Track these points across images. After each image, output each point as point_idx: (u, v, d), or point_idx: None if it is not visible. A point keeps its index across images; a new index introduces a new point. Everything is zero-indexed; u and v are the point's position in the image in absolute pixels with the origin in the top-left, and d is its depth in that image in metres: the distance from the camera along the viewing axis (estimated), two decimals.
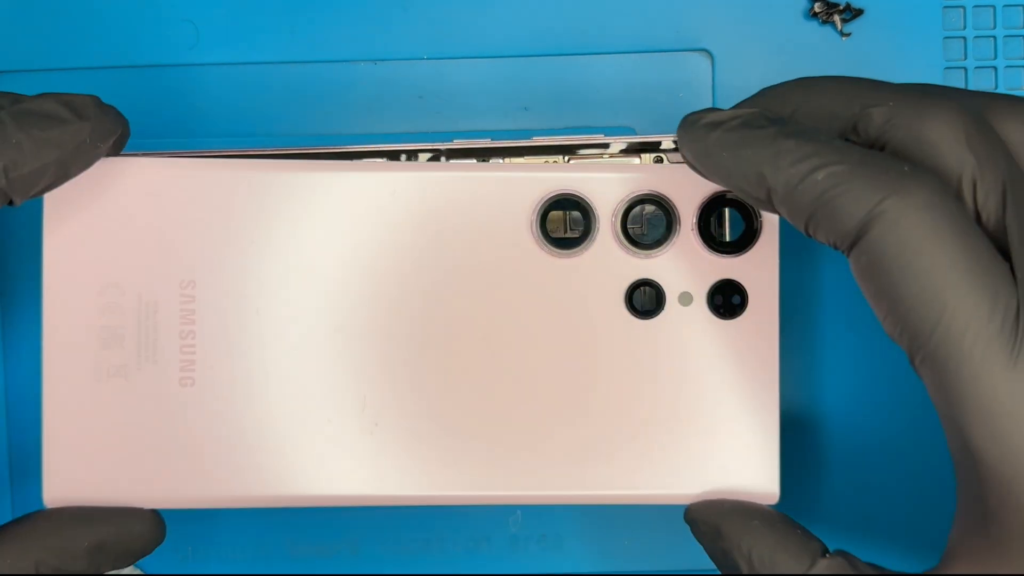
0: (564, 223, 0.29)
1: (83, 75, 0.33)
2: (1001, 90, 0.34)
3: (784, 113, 0.26)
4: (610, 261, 0.28)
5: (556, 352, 0.28)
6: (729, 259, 0.28)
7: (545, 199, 0.28)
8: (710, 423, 0.28)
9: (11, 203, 0.25)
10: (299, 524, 0.34)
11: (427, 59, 0.34)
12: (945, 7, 0.34)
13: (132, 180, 0.28)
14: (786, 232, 0.28)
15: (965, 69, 0.34)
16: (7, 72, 0.33)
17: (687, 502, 0.29)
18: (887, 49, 0.34)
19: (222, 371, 0.28)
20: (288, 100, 0.33)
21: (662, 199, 0.28)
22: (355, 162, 0.29)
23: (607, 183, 0.28)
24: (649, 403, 0.28)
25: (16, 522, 0.27)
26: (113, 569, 0.28)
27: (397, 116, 0.34)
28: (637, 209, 0.28)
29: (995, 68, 0.34)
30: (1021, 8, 0.34)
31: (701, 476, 0.28)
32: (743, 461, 0.28)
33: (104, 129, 0.26)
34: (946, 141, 0.23)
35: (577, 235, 0.28)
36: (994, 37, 0.34)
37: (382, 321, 0.28)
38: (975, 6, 0.34)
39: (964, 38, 0.34)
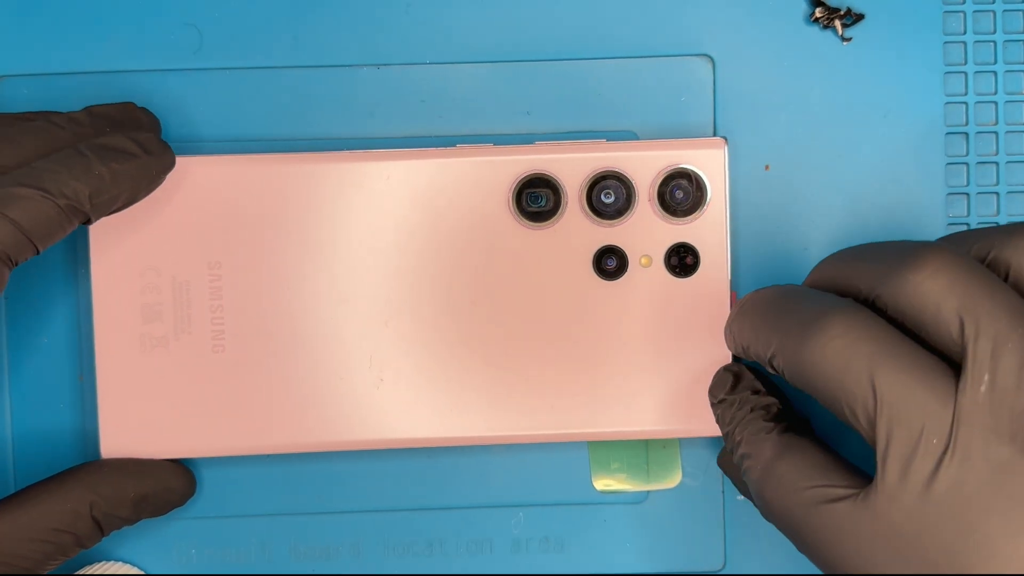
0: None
1: (87, 79, 0.33)
2: (1000, 95, 0.34)
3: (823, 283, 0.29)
4: (579, 231, 0.32)
5: (535, 312, 0.32)
6: (683, 225, 0.32)
7: (519, 179, 0.32)
8: (669, 368, 0.32)
9: (88, 222, 0.29)
10: (300, 525, 0.34)
11: (429, 63, 0.34)
12: (945, 11, 0.34)
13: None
14: None
15: (965, 74, 0.34)
16: (12, 76, 0.33)
17: (652, 437, 0.32)
18: (888, 53, 0.34)
19: (248, 338, 0.32)
20: (291, 104, 0.33)
21: (622, 175, 0.31)
22: (354, 152, 0.32)
23: (573, 163, 0.32)
24: (615, 353, 0.32)
25: (76, 468, 0.31)
26: (152, 517, 0.32)
27: (399, 120, 0.34)
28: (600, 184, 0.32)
29: (995, 73, 0.34)
30: (1021, 12, 0.34)
31: (662, 413, 0.32)
32: (700, 400, 0.32)
33: (165, 162, 0.31)
34: (943, 324, 0.24)
35: (549, 209, 0.32)
36: (994, 42, 0.34)
37: (383, 291, 0.32)
38: (975, 11, 0.34)
39: (964, 42, 0.34)
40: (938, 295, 0.24)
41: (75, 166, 0.28)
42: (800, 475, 0.26)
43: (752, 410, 0.29)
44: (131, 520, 0.32)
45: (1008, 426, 0.23)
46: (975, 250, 0.26)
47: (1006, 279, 0.25)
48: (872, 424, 0.24)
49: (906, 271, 0.25)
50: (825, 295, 0.27)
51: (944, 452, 0.23)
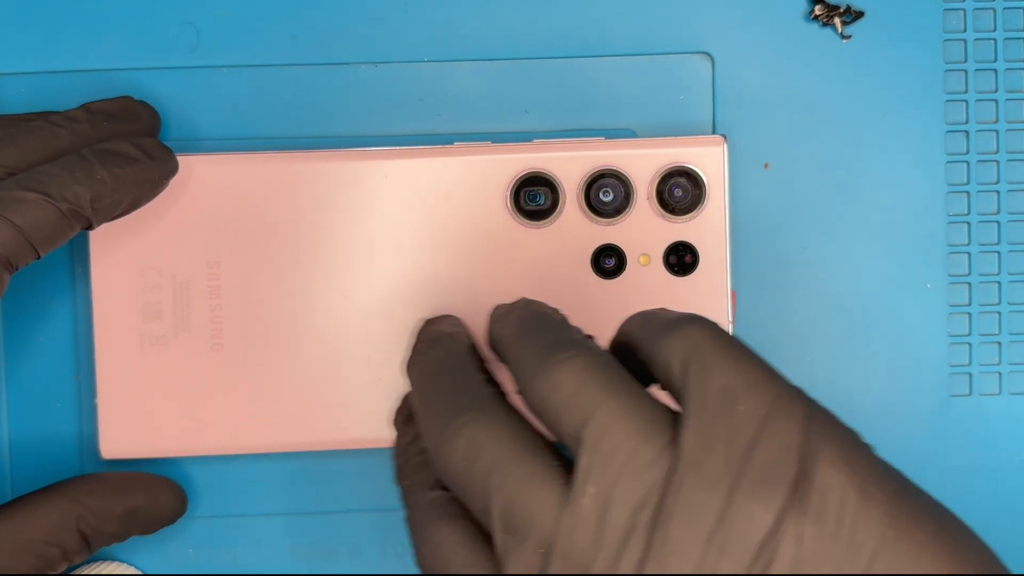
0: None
1: (85, 77, 0.33)
2: (1001, 92, 0.34)
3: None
4: (576, 230, 0.32)
5: None
6: (682, 224, 0.32)
7: (517, 177, 0.32)
8: None
9: (89, 227, 0.29)
10: (299, 525, 0.34)
11: (428, 61, 0.34)
12: (945, 9, 0.34)
13: None
14: None
15: (965, 72, 0.34)
16: (10, 75, 0.33)
17: None
18: (887, 51, 0.34)
19: (246, 337, 0.32)
20: (289, 103, 0.33)
21: (620, 174, 0.31)
22: (352, 150, 0.32)
23: (571, 161, 0.32)
24: None
25: (65, 482, 0.31)
26: (140, 534, 0.32)
27: (398, 118, 0.34)
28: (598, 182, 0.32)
29: (995, 71, 0.34)
30: (1021, 10, 0.34)
31: None
32: None
33: (168, 167, 0.31)
34: (563, 436, 0.24)
35: (547, 207, 0.32)
36: (994, 39, 0.34)
37: (381, 289, 0.32)
38: (975, 8, 0.34)
39: (964, 40, 0.34)
40: (558, 408, 0.24)
41: (77, 170, 0.28)
42: (451, 549, 0.26)
43: (420, 452, 0.28)
44: (120, 535, 0.31)
45: (606, 538, 0.23)
46: (635, 341, 0.25)
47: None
48: (493, 531, 0.25)
49: (537, 379, 0.25)
50: (468, 390, 0.26)
51: (546, 558, 0.23)
